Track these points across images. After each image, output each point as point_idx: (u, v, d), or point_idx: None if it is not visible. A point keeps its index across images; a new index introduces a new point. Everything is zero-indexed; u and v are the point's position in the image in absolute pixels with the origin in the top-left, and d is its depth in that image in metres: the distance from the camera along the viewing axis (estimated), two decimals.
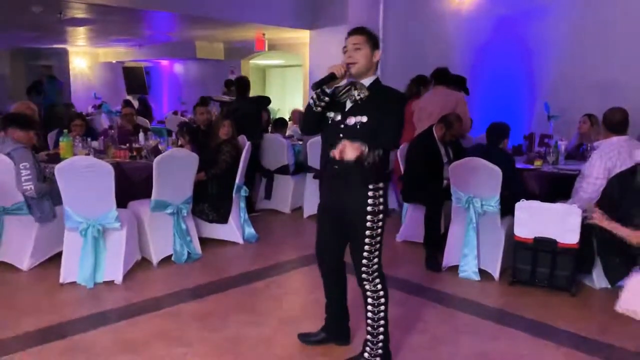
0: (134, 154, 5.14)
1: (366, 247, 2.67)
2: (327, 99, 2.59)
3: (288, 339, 3.20)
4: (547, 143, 5.41)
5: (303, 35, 9.10)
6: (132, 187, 4.72)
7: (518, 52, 6.97)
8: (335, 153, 2.40)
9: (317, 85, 2.54)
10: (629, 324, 3.52)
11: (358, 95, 2.60)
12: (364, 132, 2.55)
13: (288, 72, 14.36)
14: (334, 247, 2.88)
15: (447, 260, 4.56)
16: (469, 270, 4.38)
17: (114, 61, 14.75)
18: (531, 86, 6.92)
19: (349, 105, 2.64)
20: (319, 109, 2.63)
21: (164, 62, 14.82)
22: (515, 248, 4.19)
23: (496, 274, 4.33)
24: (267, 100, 6.90)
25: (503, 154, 4.65)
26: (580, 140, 5.60)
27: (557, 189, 4.79)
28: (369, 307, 2.74)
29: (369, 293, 2.73)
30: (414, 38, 7.93)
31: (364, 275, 2.71)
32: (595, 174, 4.10)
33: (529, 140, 5.89)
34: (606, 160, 4.07)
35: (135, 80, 14.86)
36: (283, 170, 6.48)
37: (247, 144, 5.27)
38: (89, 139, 5.46)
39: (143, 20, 8.76)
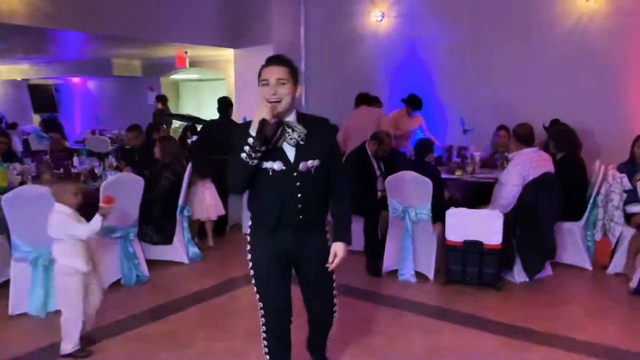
0: (73, 179, 5.04)
1: (333, 284, 2.69)
2: (263, 148, 2.29)
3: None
4: (465, 155, 5.97)
5: (227, 53, 9.23)
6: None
7: (431, 70, 7.59)
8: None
9: (254, 137, 2.27)
10: (544, 310, 4.05)
11: (298, 136, 2.36)
12: (319, 176, 2.43)
13: (207, 86, 14.29)
14: (290, 302, 2.61)
15: (387, 265, 4.92)
16: (407, 273, 4.77)
17: (18, 79, 13.93)
18: (445, 101, 7.54)
19: (290, 149, 2.38)
20: (255, 161, 2.31)
21: (76, 80, 14.21)
22: (446, 251, 4.63)
23: (431, 275, 4.75)
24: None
25: (430, 167, 5.11)
26: (494, 149, 6.22)
27: (477, 195, 5.33)
28: (330, 330, 2.86)
29: (333, 320, 2.80)
30: (335, 57, 8.35)
31: (334, 309, 2.73)
32: (513, 182, 4.63)
33: (448, 152, 6.45)
34: (520, 169, 4.62)
35: (42, 98, 14.10)
36: None
37: (189, 166, 5.31)
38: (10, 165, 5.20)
39: (54, 39, 8.40)
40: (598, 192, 4.90)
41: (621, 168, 4.88)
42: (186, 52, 9.87)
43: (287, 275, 2.57)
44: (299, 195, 2.41)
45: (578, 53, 6.55)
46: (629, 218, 4.74)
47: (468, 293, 4.45)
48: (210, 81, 13.58)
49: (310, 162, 2.40)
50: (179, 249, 5.21)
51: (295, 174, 2.39)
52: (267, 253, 2.50)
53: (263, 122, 2.27)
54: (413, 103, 6.90)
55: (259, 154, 2.30)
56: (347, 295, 4.35)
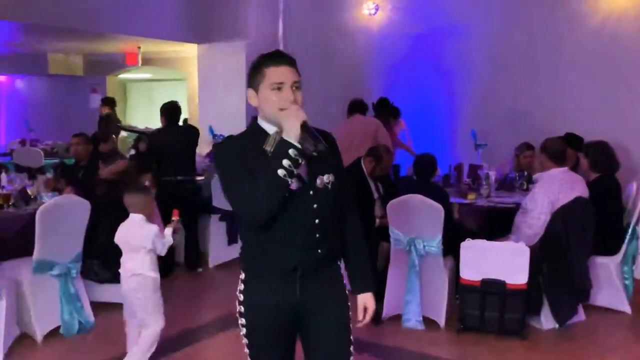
0: (0, 202, 4.84)
1: (351, 342, 2.39)
2: (303, 161, 2.14)
3: None
4: (478, 174, 5.93)
5: (189, 49, 9.12)
6: (3, 243, 4.46)
7: (436, 72, 7.59)
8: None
9: (297, 147, 2.08)
10: None
11: (322, 146, 2.15)
12: (336, 195, 2.32)
13: (162, 87, 14.12)
14: None
15: (388, 309, 4.81)
16: (412, 319, 4.66)
17: None
18: (452, 110, 7.53)
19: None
20: (294, 179, 2.12)
21: (1, 78, 13.90)
22: (461, 291, 4.54)
23: (442, 322, 4.65)
24: (197, 131, 6.71)
25: (437, 189, 5.06)
26: (518, 169, 6.18)
27: (494, 223, 5.27)
28: None
29: None
30: (320, 55, 8.29)
31: None
32: (540, 209, 4.59)
33: (457, 171, 6.40)
34: (549, 194, 4.58)
35: None
36: None
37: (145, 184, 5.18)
38: None
39: None
40: (638, 221, 4.89)
41: None
42: (139, 48, 9.74)
43: (291, 340, 2.38)
44: (317, 221, 2.24)
45: (614, 57, 6.60)
46: None
47: (487, 343, 4.37)
48: (167, 82, 13.45)
49: (326, 177, 2.27)
50: None
51: (311, 192, 2.24)
52: (267, 308, 2.27)
53: (305, 126, 2.11)
54: (392, 110, 6.88)
55: (298, 169, 2.13)
56: None
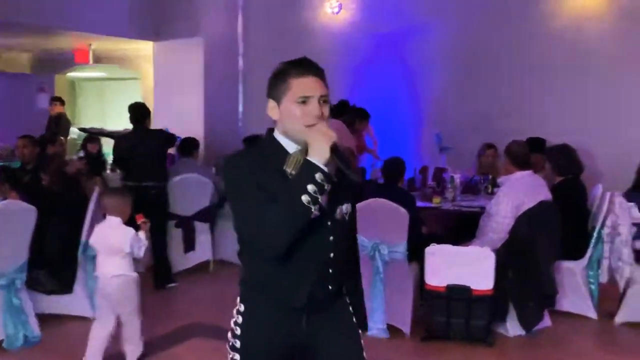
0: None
1: None
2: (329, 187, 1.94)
3: None
4: (443, 177, 5.95)
5: (144, 47, 8.96)
6: None
7: (400, 74, 7.61)
8: None
9: (324, 171, 1.87)
10: None
11: (355, 175, 2.03)
12: (351, 227, 2.22)
13: (114, 86, 13.87)
14: None
15: None
16: (376, 327, 4.62)
17: None
18: (416, 112, 7.56)
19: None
20: (316, 207, 1.90)
21: None
22: (426, 298, 4.53)
23: (407, 330, 4.63)
24: (173, 137, 6.50)
25: (403, 193, 5.05)
26: (481, 171, 6.23)
27: (460, 228, 5.29)
28: None
29: None
30: (280, 53, 8.16)
31: None
32: (504, 212, 4.62)
33: (422, 174, 6.42)
34: (514, 198, 4.61)
35: None
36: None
37: (95, 190, 5.06)
38: None
39: None
40: (603, 225, 4.96)
41: (629, 196, 4.97)
42: (90, 45, 9.54)
43: None
44: (332, 255, 2.08)
45: (576, 61, 6.72)
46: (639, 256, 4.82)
47: (453, 351, 4.37)
48: (120, 81, 13.21)
49: (345, 207, 2.10)
50: (82, 299, 4.91)
51: (329, 223, 2.06)
52: (269, 347, 2.10)
53: (336, 148, 1.92)
54: (359, 112, 6.85)
55: (323, 196, 1.93)
56: None
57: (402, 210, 4.52)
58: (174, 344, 4.55)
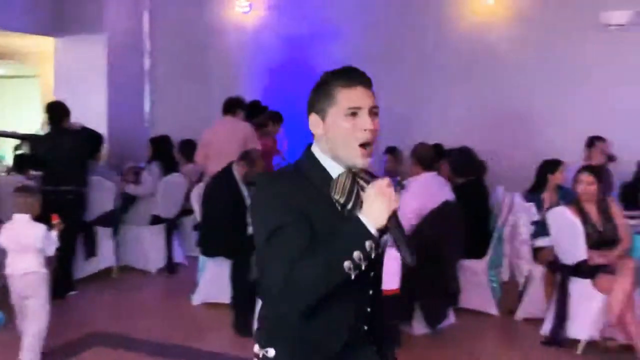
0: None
1: None
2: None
3: None
4: None
5: (43, 42, 8.56)
6: None
7: (311, 75, 7.62)
8: None
9: (368, 235, 1.68)
10: None
11: (411, 259, 1.79)
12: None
13: (8, 85, 13.18)
14: None
15: None
16: None
17: None
18: None
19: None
20: (356, 272, 1.70)
21: None
22: None
23: None
24: (95, 137, 6.21)
25: None
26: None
27: None
28: None
29: None
30: (191, 53, 8.12)
31: None
32: (408, 213, 4.75)
33: None
34: (418, 198, 4.75)
35: None
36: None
37: None
38: None
39: None
40: (504, 224, 5.19)
41: (528, 196, 5.23)
42: None
43: None
44: (371, 292, 1.88)
45: (478, 65, 7.00)
46: (537, 254, 5.05)
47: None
48: (15, 79, 12.56)
49: (385, 236, 1.84)
50: None
51: (372, 273, 1.86)
52: None
53: (395, 215, 1.75)
54: (272, 115, 6.87)
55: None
56: None
57: None
58: (75, 353, 4.39)
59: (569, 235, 4.44)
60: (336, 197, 1.78)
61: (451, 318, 4.95)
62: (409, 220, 4.74)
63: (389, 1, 7.35)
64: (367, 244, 1.67)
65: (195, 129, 6.89)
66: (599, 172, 4.69)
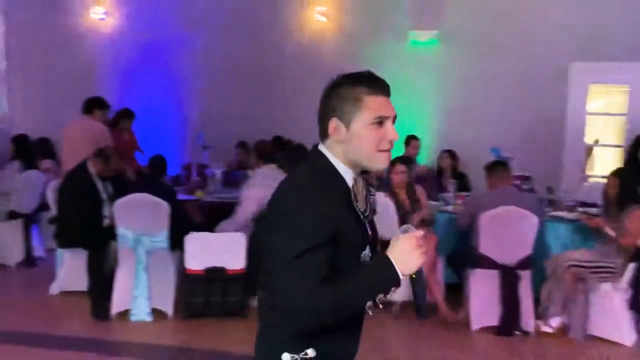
0: None
1: None
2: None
3: None
4: (205, 173, 6.02)
5: None
6: None
7: (165, 81, 7.49)
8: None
9: (394, 284, 1.59)
10: None
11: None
12: None
13: None
14: None
15: (117, 305, 4.62)
16: (141, 312, 4.55)
17: None
18: (181, 114, 7.51)
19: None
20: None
21: None
22: (187, 281, 4.57)
23: (170, 311, 4.63)
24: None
25: (165, 187, 5.02)
26: (237, 166, 6.41)
27: (220, 217, 5.40)
28: None
29: None
30: (49, 56, 7.62)
31: None
32: (250, 201, 4.83)
33: (186, 170, 6.42)
34: (259, 188, 4.83)
35: None
36: None
37: None
38: None
39: None
40: None
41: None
42: None
43: None
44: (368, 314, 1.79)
45: (310, 70, 7.23)
46: None
47: (212, 326, 4.46)
48: None
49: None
50: None
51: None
52: None
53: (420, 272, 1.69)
54: (124, 113, 6.64)
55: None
56: (68, 349, 4.00)
57: (163, 202, 4.52)
58: None
59: (385, 216, 4.76)
60: (359, 205, 1.64)
61: None
62: (250, 207, 4.83)
63: (237, 11, 7.36)
64: (393, 289, 1.60)
65: (54, 128, 6.54)
66: (409, 163, 5.07)
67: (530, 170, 6.28)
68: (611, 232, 4.33)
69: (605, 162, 8.45)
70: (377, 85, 1.65)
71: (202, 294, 4.52)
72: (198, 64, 7.42)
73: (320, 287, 1.51)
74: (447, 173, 6.26)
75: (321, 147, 1.69)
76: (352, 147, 1.63)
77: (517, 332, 4.40)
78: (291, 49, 7.30)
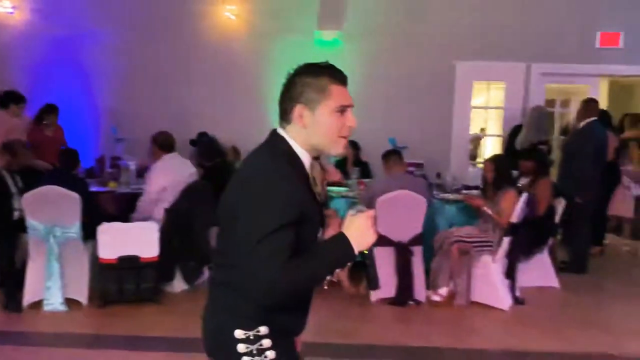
0: None
1: None
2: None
3: None
4: (119, 165, 5.76)
5: None
6: None
7: (77, 75, 7.07)
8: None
9: (352, 258, 1.60)
10: None
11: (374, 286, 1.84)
12: None
13: None
14: None
15: (29, 296, 4.34)
16: (54, 302, 4.29)
17: None
18: (94, 108, 7.12)
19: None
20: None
21: None
22: (100, 270, 4.36)
23: (84, 300, 4.40)
24: None
25: (77, 179, 4.76)
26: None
27: (133, 208, 5.18)
28: None
29: None
30: None
31: None
32: (152, 189, 4.73)
33: (100, 163, 6.11)
34: (161, 177, 4.72)
35: None
36: None
37: None
38: None
39: None
40: None
41: None
42: None
43: None
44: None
45: (222, 68, 7.08)
46: None
47: (126, 313, 4.28)
48: None
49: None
50: None
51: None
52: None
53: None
54: (48, 107, 6.21)
55: None
56: None
57: (74, 194, 4.28)
58: None
59: None
60: (317, 189, 1.66)
61: (206, 274, 4.99)
62: (150, 195, 4.73)
63: (147, 8, 7.05)
64: (349, 264, 1.61)
65: None
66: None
67: (423, 157, 6.52)
68: (489, 211, 4.57)
69: (489, 150, 8.92)
70: (339, 75, 1.66)
71: (115, 282, 4.32)
72: (109, 59, 7.04)
73: (290, 262, 1.48)
74: (350, 161, 6.36)
75: (280, 131, 1.67)
76: (315, 132, 1.62)
77: (411, 302, 4.56)
78: (202, 47, 7.11)
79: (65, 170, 4.70)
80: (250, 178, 1.57)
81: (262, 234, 1.47)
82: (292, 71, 1.67)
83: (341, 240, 1.57)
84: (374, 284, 1.75)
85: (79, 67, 7.09)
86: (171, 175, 4.69)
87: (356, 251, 1.57)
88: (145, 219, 4.58)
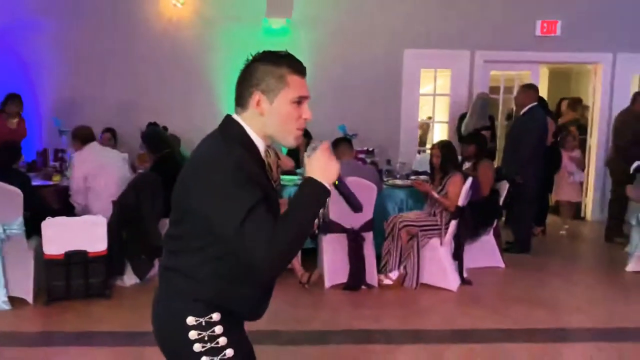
0: None
1: None
2: None
3: None
4: (63, 157, 5.58)
5: None
6: None
7: (19, 65, 6.78)
8: None
9: (328, 193, 1.58)
10: None
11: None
12: None
13: None
14: None
15: None
16: None
17: None
18: (36, 100, 6.86)
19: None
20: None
21: None
22: (46, 267, 4.22)
23: (30, 298, 4.25)
24: None
25: (18, 174, 4.58)
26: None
27: None
28: None
29: None
30: None
31: None
32: (75, 177, 4.80)
33: (43, 156, 5.90)
34: (82, 168, 4.76)
35: None
36: None
37: None
38: None
39: None
40: None
41: None
42: None
43: None
44: None
45: (170, 56, 6.94)
46: None
47: (74, 309, 4.17)
48: None
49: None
50: None
51: None
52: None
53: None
54: (10, 96, 6.01)
55: None
56: None
57: (14, 190, 4.11)
58: None
59: None
60: (272, 175, 1.65)
61: (156, 268, 4.92)
62: (75, 182, 4.78)
63: None
64: (327, 200, 1.60)
65: None
66: None
67: (373, 144, 6.61)
68: (436, 195, 4.69)
69: (437, 136, 9.11)
70: (299, 66, 1.63)
71: (62, 278, 4.19)
72: (51, 49, 6.79)
73: (276, 228, 1.47)
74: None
75: (235, 117, 1.64)
76: (271, 121, 1.60)
77: (363, 286, 4.65)
78: (149, 36, 6.94)
79: (4, 165, 4.51)
80: (208, 163, 1.53)
81: (242, 214, 1.45)
82: (250, 57, 1.65)
83: (309, 182, 1.55)
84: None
85: (19, 58, 6.79)
86: (91, 163, 4.79)
87: (327, 185, 1.56)
88: (84, 211, 4.51)
